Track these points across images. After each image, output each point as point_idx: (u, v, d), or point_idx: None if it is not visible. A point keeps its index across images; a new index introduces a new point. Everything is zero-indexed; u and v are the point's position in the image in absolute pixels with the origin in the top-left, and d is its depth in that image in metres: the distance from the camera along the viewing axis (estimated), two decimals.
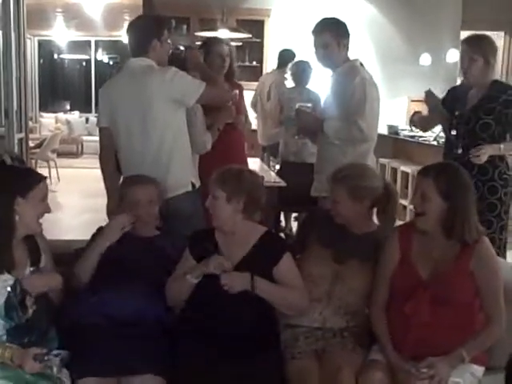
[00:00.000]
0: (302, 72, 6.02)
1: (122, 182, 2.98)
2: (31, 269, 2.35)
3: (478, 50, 3.54)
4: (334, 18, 3.55)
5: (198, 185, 3.23)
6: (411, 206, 6.50)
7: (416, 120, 4.17)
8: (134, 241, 2.65)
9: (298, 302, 2.46)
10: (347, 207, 2.54)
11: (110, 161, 3.24)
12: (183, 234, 2.66)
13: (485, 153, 3.49)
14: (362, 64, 3.53)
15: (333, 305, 2.51)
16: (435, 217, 2.31)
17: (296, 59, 6.44)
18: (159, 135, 3.07)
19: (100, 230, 2.71)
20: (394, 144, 7.91)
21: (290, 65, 6.30)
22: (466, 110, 3.64)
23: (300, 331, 2.50)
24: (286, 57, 6.72)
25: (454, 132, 3.72)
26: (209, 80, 3.24)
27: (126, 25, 11.48)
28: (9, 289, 2.19)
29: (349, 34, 3.50)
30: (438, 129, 6.78)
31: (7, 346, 2.13)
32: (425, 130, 4.68)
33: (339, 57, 3.49)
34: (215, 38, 4.51)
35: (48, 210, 2.36)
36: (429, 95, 3.91)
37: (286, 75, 6.53)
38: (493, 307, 2.33)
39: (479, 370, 2.36)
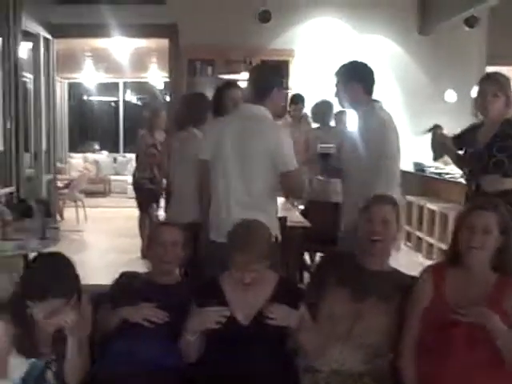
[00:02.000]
0: (322, 113, 6.10)
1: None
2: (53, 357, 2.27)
3: (501, 87, 3.59)
4: (357, 62, 3.59)
5: (280, 239, 3.28)
6: (439, 244, 6.44)
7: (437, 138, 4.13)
8: (155, 288, 2.63)
9: (318, 341, 2.44)
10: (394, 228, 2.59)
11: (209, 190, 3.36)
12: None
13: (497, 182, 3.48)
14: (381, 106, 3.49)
15: (352, 344, 2.46)
16: (492, 250, 2.33)
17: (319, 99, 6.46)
18: (255, 181, 3.18)
19: (122, 275, 2.69)
20: (420, 181, 7.85)
21: (313, 106, 6.34)
22: (478, 148, 3.64)
23: (320, 376, 2.45)
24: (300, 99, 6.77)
25: (466, 170, 3.79)
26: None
27: (152, 67, 11.75)
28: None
29: (371, 77, 3.50)
30: None
31: None
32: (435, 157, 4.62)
33: (361, 99, 3.47)
34: (227, 83, 4.59)
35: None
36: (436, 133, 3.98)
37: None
38: None
39: None
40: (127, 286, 2.65)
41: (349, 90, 3.45)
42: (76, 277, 2.30)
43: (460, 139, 3.89)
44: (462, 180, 6.40)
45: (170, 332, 2.45)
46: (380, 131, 3.32)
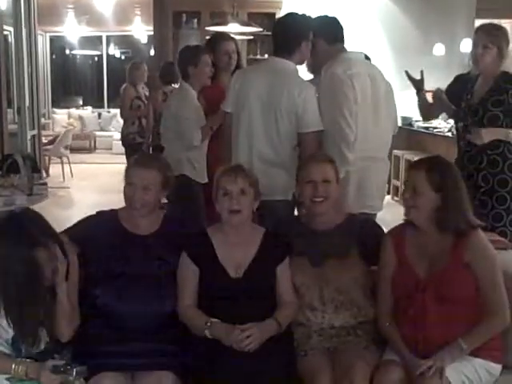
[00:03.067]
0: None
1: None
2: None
3: (493, 38, 3.48)
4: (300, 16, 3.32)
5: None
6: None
7: (420, 105, 4.09)
8: (131, 240, 2.50)
9: (292, 316, 2.47)
10: (334, 187, 2.58)
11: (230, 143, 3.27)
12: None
13: (486, 133, 3.42)
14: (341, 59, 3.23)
15: (331, 307, 2.47)
16: (427, 210, 2.32)
17: None
18: (279, 137, 3.09)
19: (99, 213, 2.57)
20: (408, 135, 7.84)
21: None
22: (473, 102, 3.59)
23: (313, 329, 2.46)
24: None
25: (461, 124, 3.68)
26: None
27: (136, 20, 11.56)
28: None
29: (321, 28, 3.29)
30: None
31: (20, 361, 2.11)
32: (426, 118, 4.58)
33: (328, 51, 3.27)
34: (220, 35, 4.46)
35: None
36: (437, 92, 3.87)
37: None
38: (491, 298, 2.29)
39: (496, 367, 2.32)
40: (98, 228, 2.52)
41: (313, 47, 3.25)
42: (49, 227, 2.24)
43: (450, 93, 3.84)
44: (449, 134, 6.45)
45: (155, 282, 2.43)
46: (323, 88, 3.16)
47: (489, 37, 3.49)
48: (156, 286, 2.42)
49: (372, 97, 3.18)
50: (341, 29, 3.32)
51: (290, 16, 3.30)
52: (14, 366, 2.08)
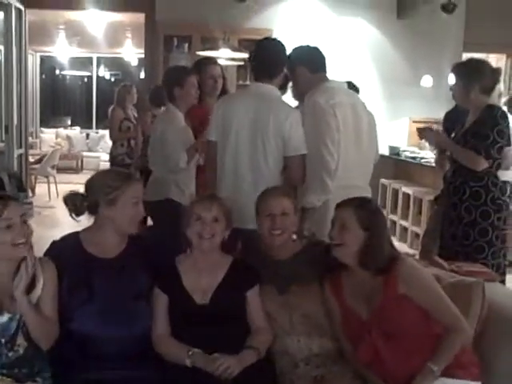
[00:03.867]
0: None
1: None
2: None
3: (457, 74, 3.65)
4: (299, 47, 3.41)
5: None
6: (413, 227, 6.50)
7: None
8: (97, 265, 2.43)
9: (268, 342, 2.47)
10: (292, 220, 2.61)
11: (215, 172, 3.27)
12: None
13: (431, 136, 3.74)
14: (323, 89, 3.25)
15: (303, 332, 2.48)
16: (354, 247, 2.34)
17: None
18: (266, 160, 3.11)
19: (53, 244, 2.46)
20: (395, 165, 7.89)
21: (290, 82, 6.27)
22: (458, 134, 3.67)
23: (298, 357, 2.45)
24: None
25: (448, 153, 3.78)
26: None
27: (127, 42, 11.54)
28: None
29: (306, 57, 3.34)
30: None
31: (3, 379, 2.09)
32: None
33: (310, 80, 3.29)
34: (206, 59, 4.47)
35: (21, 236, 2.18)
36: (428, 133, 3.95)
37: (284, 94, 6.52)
38: (444, 316, 2.29)
39: None
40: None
41: (295, 75, 3.34)
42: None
43: (445, 120, 3.94)
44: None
45: (126, 305, 2.40)
46: (306, 117, 3.18)
47: (454, 73, 3.67)
48: (126, 308, 2.39)
49: (354, 126, 3.22)
50: (323, 58, 3.36)
51: (272, 41, 3.36)
52: None
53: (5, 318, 2.16)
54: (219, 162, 3.23)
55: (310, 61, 3.31)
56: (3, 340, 2.15)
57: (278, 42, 3.29)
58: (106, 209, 2.42)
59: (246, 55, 6.46)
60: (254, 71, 3.30)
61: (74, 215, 2.44)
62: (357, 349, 2.34)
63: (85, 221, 2.42)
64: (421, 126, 4.26)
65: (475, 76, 3.58)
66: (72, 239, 2.47)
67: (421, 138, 4.40)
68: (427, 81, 8.23)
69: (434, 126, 4.48)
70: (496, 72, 3.74)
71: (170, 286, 2.47)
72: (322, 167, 3.06)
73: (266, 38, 3.45)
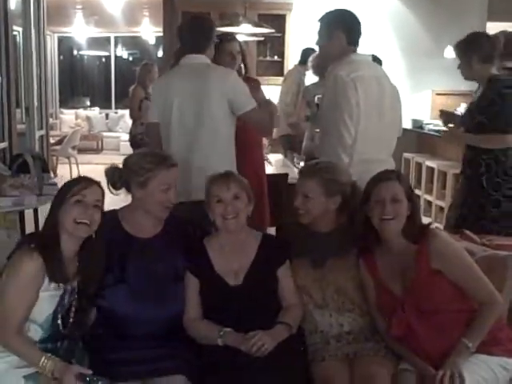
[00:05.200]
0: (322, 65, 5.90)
1: None
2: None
3: (457, 50, 3.78)
4: (343, 10, 3.27)
5: None
6: (437, 202, 6.43)
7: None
8: (133, 243, 2.45)
9: (299, 318, 2.46)
10: (318, 203, 2.51)
11: None
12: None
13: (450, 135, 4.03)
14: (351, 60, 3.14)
15: (334, 308, 2.46)
16: (404, 219, 2.33)
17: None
18: (214, 129, 3.09)
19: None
20: (418, 138, 7.78)
21: (310, 57, 6.19)
22: (467, 108, 3.79)
23: (331, 335, 2.43)
24: (308, 54, 6.60)
25: (462, 128, 3.86)
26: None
27: (145, 21, 11.50)
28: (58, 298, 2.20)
29: (357, 28, 3.21)
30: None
31: (50, 358, 2.09)
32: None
33: (343, 50, 3.16)
34: (224, 35, 4.39)
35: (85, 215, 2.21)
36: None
37: (306, 70, 6.44)
38: (477, 290, 2.27)
39: (511, 362, 2.25)
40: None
41: (333, 38, 3.18)
42: None
43: None
44: None
45: (160, 285, 2.40)
46: (327, 89, 3.13)
47: (455, 51, 3.80)
48: (161, 289, 2.39)
49: (377, 99, 3.12)
50: (360, 31, 3.25)
51: (199, 19, 3.40)
52: (43, 359, 2.07)
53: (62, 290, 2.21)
54: (164, 143, 3.20)
55: (351, 30, 3.17)
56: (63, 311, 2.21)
57: (203, 20, 3.39)
58: (136, 190, 2.43)
59: (266, 30, 6.38)
60: (183, 47, 3.31)
61: (111, 188, 2.48)
62: (390, 324, 2.32)
63: (105, 200, 2.37)
64: (445, 109, 4.28)
65: (472, 47, 3.64)
66: (111, 216, 2.47)
67: (444, 124, 4.42)
68: (450, 52, 8.05)
69: (459, 110, 4.49)
70: (493, 40, 3.74)
71: (200, 269, 2.45)
72: (338, 142, 3.00)
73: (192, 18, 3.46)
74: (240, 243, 2.49)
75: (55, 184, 4.30)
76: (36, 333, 2.19)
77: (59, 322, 2.21)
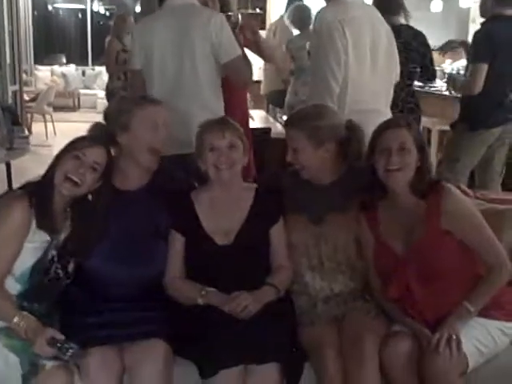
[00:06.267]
0: (304, 15, 5.69)
1: None
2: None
3: None
4: None
5: None
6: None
7: None
8: (116, 196, 2.25)
9: (288, 280, 2.30)
10: (309, 154, 2.28)
11: None
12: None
13: None
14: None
15: (329, 269, 2.29)
16: (412, 171, 2.14)
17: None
18: (196, 75, 2.85)
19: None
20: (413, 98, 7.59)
21: (288, 11, 5.96)
22: None
23: (318, 297, 2.28)
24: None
25: None
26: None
27: None
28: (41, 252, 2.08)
29: None
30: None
31: (25, 316, 1.99)
32: None
33: None
34: None
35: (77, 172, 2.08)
36: None
37: (285, 22, 6.21)
38: (489, 254, 2.13)
39: (511, 326, 2.14)
40: None
41: None
42: None
43: None
44: (447, 93, 6.25)
45: (141, 242, 2.24)
46: (313, 35, 2.98)
47: None
48: (142, 246, 2.23)
49: (371, 43, 2.94)
50: None
51: None
52: (16, 318, 1.97)
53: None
54: (149, 90, 2.94)
55: None
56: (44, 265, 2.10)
57: None
58: (120, 136, 2.26)
59: None
60: None
61: None
62: (387, 285, 2.17)
63: None
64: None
65: None
66: None
67: None
68: (437, 5, 7.87)
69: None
70: None
71: (186, 226, 2.27)
72: (326, 91, 2.84)
73: None
74: (232, 198, 2.30)
75: (26, 137, 4.11)
76: (12, 286, 2.06)
77: (25, 305, 2.07)
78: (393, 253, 2.18)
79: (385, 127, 2.20)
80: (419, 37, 4.12)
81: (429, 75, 4.33)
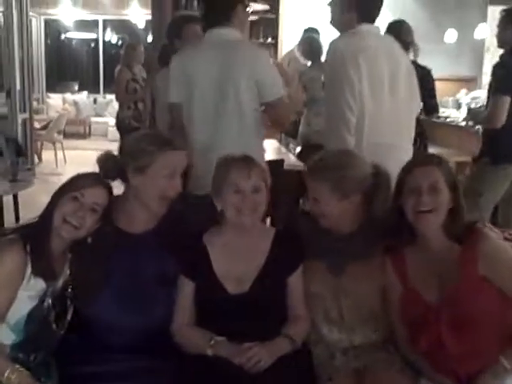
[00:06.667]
0: (315, 46, 5.65)
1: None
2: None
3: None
4: None
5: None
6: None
7: None
8: (120, 239, 2.11)
9: (305, 332, 2.13)
10: (332, 206, 2.11)
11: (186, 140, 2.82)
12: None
13: None
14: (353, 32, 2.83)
15: (349, 322, 2.11)
16: (445, 212, 1.97)
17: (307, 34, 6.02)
18: (240, 115, 2.73)
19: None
20: (417, 125, 7.48)
21: (298, 42, 5.94)
22: None
23: (336, 347, 2.11)
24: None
25: None
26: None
27: (133, 3, 11.14)
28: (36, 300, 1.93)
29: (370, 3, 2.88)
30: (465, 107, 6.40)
31: (17, 371, 1.85)
32: None
33: (342, 19, 2.86)
34: (190, 17, 3.98)
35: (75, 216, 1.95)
36: None
37: (296, 54, 6.15)
38: None
39: None
40: None
41: (343, 18, 2.86)
42: None
43: None
44: (463, 124, 6.13)
45: (146, 289, 2.09)
46: (326, 66, 2.88)
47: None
48: (148, 293, 2.08)
49: (389, 73, 2.79)
50: (377, 10, 2.89)
51: None
52: (8, 372, 1.82)
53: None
54: (188, 126, 2.82)
55: (364, 6, 2.82)
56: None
57: None
58: (133, 177, 2.09)
59: (261, 7, 6.08)
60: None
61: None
62: (416, 336, 1.99)
63: None
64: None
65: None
66: None
67: None
68: (451, 36, 7.78)
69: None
70: None
71: (197, 271, 2.10)
72: (341, 122, 2.69)
73: None
74: (249, 243, 2.13)
75: (30, 169, 4.01)
76: (6, 335, 1.92)
77: (19, 357, 1.92)
78: (423, 301, 2.00)
79: (413, 165, 2.06)
80: (426, 76, 4.33)
81: (429, 109, 4.59)
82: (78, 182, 1.99)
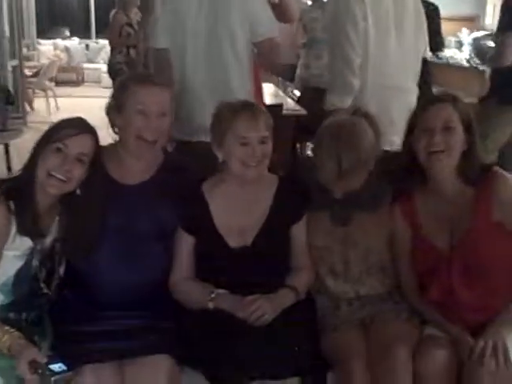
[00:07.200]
0: None
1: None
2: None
3: None
4: None
5: None
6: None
7: None
8: (115, 191, 1.99)
9: (309, 283, 2.06)
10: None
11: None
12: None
13: None
14: None
15: (355, 276, 2.04)
16: (458, 153, 1.89)
17: None
18: (234, 52, 2.63)
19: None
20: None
21: None
22: None
23: (341, 298, 2.04)
24: None
25: None
26: None
27: None
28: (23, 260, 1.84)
29: None
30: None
31: (7, 331, 1.75)
32: None
33: None
34: None
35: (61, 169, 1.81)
36: None
37: None
38: None
39: None
40: None
41: None
42: None
43: None
44: (466, 64, 5.97)
45: (144, 244, 1.99)
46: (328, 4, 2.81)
47: None
48: (145, 247, 1.97)
49: (395, 12, 2.65)
50: None
51: None
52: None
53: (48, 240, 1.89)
54: (179, 74, 2.69)
55: None
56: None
57: None
58: (115, 118, 1.99)
59: None
60: None
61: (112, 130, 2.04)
62: (427, 285, 1.92)
63: None
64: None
65: None
66: None
67: None
68: None
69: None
70: None
71: (196, 224, 2.00)
72: (344, 63, 2.58)
73: None
74: (252, 194, 2.02)
75: (21, 117, 3.88)
76: None
77: (10, 316, 1.84)
78: (435, 248, 1.92)
79: (427, 103, 1.96)
80: (432, 13, 4.13)
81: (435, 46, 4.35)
82: (60, 131, 1.83)
